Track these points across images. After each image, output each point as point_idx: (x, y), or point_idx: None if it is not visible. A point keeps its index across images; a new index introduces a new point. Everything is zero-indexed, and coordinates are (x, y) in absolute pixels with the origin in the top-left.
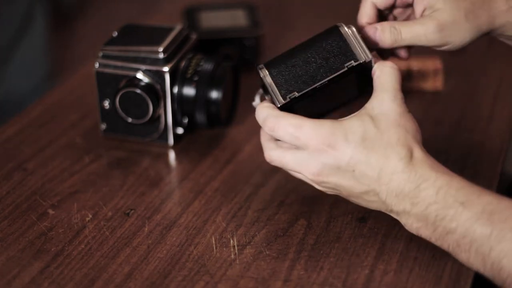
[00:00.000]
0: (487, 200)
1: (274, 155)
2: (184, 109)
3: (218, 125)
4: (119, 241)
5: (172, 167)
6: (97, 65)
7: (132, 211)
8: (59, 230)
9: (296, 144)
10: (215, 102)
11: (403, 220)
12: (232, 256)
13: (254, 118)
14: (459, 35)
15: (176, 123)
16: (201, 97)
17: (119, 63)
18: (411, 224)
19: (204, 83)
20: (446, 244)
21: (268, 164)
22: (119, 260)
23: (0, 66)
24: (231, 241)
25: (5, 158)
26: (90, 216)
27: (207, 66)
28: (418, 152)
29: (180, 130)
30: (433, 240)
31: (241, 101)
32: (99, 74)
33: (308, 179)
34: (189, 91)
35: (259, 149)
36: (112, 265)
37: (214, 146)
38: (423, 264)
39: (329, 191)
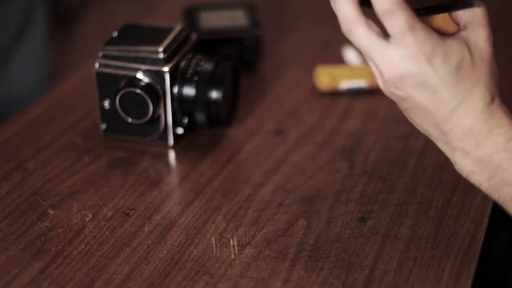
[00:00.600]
0: None
1: (361, 31)
2: (184, 109)
3: (218, 125)
4: (119, 241)
5: (172, 167)
6: (97, 65)
7: (132, 211)
8: (59, 230)
9: (399, 40)
10: (215, 102)
11: (456, 159)
12: (232, 256)
13: (254, 118)
14: None
15: (176, 123)
16: (201, 97)
17: (119, 63)
18: (465, 166)
19: (204, 83)
20: (498, 194)
21: (268, 164)
22: (119, 260)
23: (0, 66)
24: (231, 241)
25: (5, 158)
26: (90, 216)
27: (207, 66)
28: (497, 100)
29: (180, 130)
30: (483, 187)
31: (241, 101)
32: (99, 74)
33: (385, 79)
34: (189, 91)
35: (259, 149)
36: (112, 265)
37: (214, 146)
38: (423, 264)
39: (395, 98)
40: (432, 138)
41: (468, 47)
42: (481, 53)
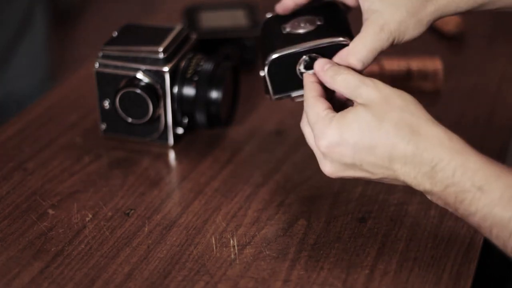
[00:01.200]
0: (506, 183)
1: (309, 138)
2: (184, 109)
3: (218, 125)
4: (119, 241)
5: (172, 167)
6: (97, 65)
7: (132, 211)
8: (59, 230)
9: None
10: (215, 102)
11: (429, 197)
12: (232, 256)
13: (254, 118)
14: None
15: (176, 123)
16: (201, 97)
17: (119, 63)
18: (437, 201)
19: (204, 83)
20: (470, 223)
21: (268, 164)
22: (119, 260)
23: (0, 66)
24: (231, 241)
25: (5, 158)
26: (90, 216)
27: (207, 66)
28: (427, 128)
29: (180, 130)
30: (458, 216)
31: (241, 101)
32: (99, 74)
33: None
34: (189, 91)
35: (259, 149)
36: (112, 265)
37: (214, 146)
38: (423, 264)
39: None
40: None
41: (364, 106)
42: (376, 104)
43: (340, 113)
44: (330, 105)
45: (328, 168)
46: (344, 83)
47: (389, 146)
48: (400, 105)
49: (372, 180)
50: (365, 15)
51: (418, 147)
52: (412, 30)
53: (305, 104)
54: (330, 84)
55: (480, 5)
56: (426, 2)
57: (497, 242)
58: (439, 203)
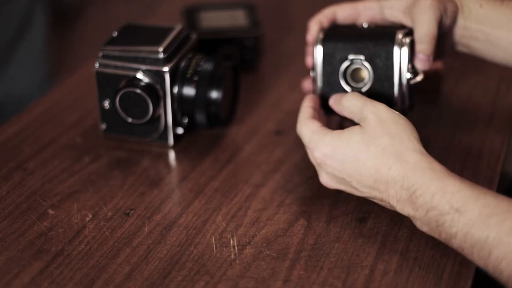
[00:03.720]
0: (484, 203)
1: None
2: (184, 109)
3: (218, 125)
4: (119, 241)
5: (172, 167)
6: (97, 65)
7: (132, 211)
8: (59, 230)
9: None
10: (215, 102)
11: (414, 223)
12: (232, 256)
13: (254, 118)
14: None
15: (176, 123)
16: (201, 97)
17: (119, 63)
18: (421, 227)
19: (204, 83)
20: (454, 247)
21: (268, 164)
22: (119, 260)
23: (0, 66)
24: (231, 241)
25: (5, 158)
26: (90, 216)
27: (207, 66)
28: (411, 156)
29: (180, 130)
30: (444, 243)
31: (241, 101)
32: (99, 74)
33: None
34: (189, 91)
35: (259, 149)
36: (112, 265)
37: (214, 146)
38: (423, 264)
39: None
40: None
41: (358, 130)
42: (369, 128)
43: (337, 130)
44: (323, 124)
45: (324, 179)
46: (350, 107)
47: (373, 169)
48: (393, 132)
49: (366, 198)
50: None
51: (399, 173)
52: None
53: (298, 125)
54: (339, 109)
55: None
56: None
57: (479, 263)
58: (424, 229)
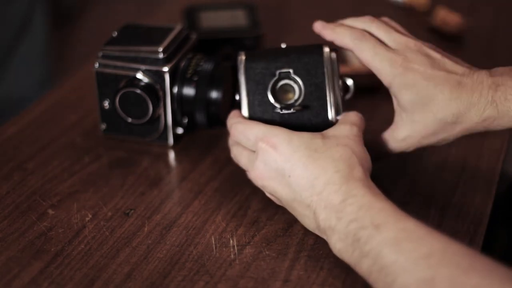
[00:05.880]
0: (403, 226)
1: (233, 150)
2: (184, 109)
3: (218, 125)
4: (119, 241)
5: (172, 167)
6: (97, 65)
7: (132, 211)
8: (59, 230)
9: (248, 145)
10: (215, 102)
11: (329, 240)
12: (232, 256)
13: None
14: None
15: (176, 123)
16: (201, 97)
17: (119, 63)
18: (335, 244)
19: (204, 83)
20: (362, 271)
21: None
22: (119, 260)
23: (0, 66)
24: (231, 241)
25: (5, 158)
26: (90, 216)
27: (207, 66)
28: (359, 172)
29: (180, 130)
30: (352, 265)
31: None
32: (99, 74)
33: (255, 183)
34: (189, 91)
35: None
36: (112, 265)
37: (214, 146)
38: None
39: (272, 198)
40: (316, 232)
41: (322, 135)
42: (337, 137)
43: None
44: None
45: (259, 168)
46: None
47: (320, 168)
48: (356, 150)
49: (285, 205)
50: (397, 117)
51: (343, 178)
52: (432, 142)
53: (236, 129)
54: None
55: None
56: (455, 125)
57: None
58: (338, 246)
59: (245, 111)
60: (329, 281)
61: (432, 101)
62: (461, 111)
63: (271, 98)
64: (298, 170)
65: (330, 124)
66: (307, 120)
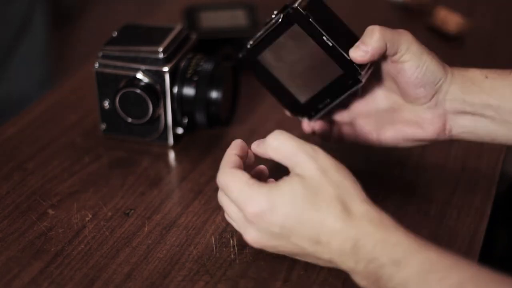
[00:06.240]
0: (425, 257)
1: (220, 196)
2: (184, 109)
3: (218, 125)
4: (119, 241)
5: (172, 167)
6: (97, 65)
7: (132, 211)
8: (59, 230)
9: (234, 204)
10: (215, 102)
11: (353, 277)
12: (232, 256)
13: (254, 118)
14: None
15: (176, 123)
16: (201, 97)
17: (119, 63)
18: (359, 282)
19: (204, 83)
20: None
21: (268, 164)
22: (119, 260)
23: (0, 66)
24: (231, 241)
25: (5, 158)
26: (90, 216)
27: (207, 66)
28: (357, 206)
29: (180, 130)
30: None
31: (241, 101)
32: (99, 74)
33: (253, 246)
34: (189, 91)
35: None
36: (112, 265)
37: (214, 146)
38: None
39: (276, 252)
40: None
41: (300, 177)
42: (312, 178)
43: (273, 183)
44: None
45: (253, 236)
46: (281, 149)
47: (318, 222)
48: (337, 180)
49: (294, 256)
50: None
51: (346, 223)
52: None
53: (222, 175)
54: (263, 151)
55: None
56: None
57: None
58: (362, 284)
59: None
60: (329, 281)
61: None
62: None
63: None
64: (296, 230)
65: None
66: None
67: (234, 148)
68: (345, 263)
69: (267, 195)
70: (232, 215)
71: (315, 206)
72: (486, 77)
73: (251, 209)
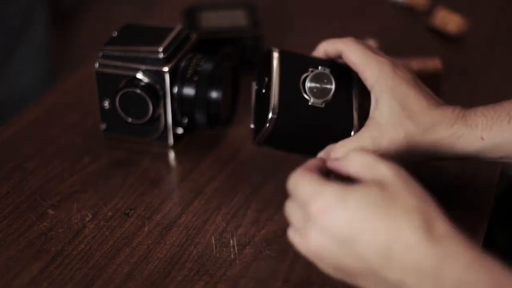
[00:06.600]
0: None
1: (288, 204)
2: (184, 109)
3: (218, 125)
4: (119, 241)
5: (172, 167)
6: (97, 65)
7: (132, 211)
8: (59, 230)
9: (298, 203)
10: (215, 102)
11: None
12: (232, 256)
13: None
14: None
15: (176, 123)
16: (201, 97)
17: (119, 63)
18: None
19: (204, 83)
20: None
21: (268, 164)
22: (119, 260)
23: (1, 66)
24: (231, 241)
25: (5, 158)
26: (90, 216)
27: (207, 66)
28: (441, 222)
29: (180, 130)
30: None
31: (241, 101)
32: (99, 74)
33: (306, 256)
34: (189, 91)
35: (259, 149)
36: (112, 265)
37: (214, 146)
38: None
39: (332, 267)
40: None
41: (377, 184)
42: (396, 183)
43: (346, 184)
44: None
45: (312, 237)
46: (359, 163)
47: (393, 232)
48: (419, 192)
49: (351, 280)
50: (369, 121)
51: (424, 239)
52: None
53: (293, 175)
54: (341, 168)
55: (478, 153)
56: (427, 132)
57: None
58: None
59: (273, 96)
60: (329, 281)
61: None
62: (434, 121)
63: (302, 89)
64: (364, 235)
65: (351, 128)
66: (332, 120)
67: (316, 159)
68: (419, 284)
69: (338, 192)
70: (294, 222)
71: (390, 215)
72: (482, 139)
73: (317, 203)
